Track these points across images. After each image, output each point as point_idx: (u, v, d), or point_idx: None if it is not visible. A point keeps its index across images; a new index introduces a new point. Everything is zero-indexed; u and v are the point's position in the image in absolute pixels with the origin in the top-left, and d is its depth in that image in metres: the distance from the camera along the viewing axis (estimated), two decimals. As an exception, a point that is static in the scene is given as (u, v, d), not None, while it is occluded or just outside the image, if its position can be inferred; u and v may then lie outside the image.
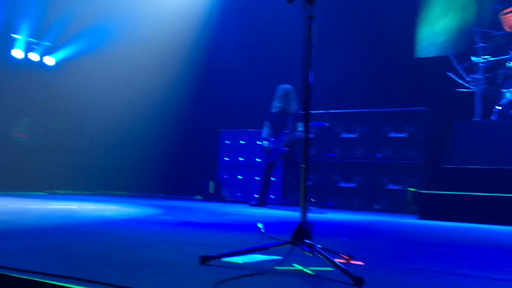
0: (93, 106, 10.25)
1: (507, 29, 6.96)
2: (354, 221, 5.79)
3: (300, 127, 7.33)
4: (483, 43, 7.07)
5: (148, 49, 10.24)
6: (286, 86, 7.78)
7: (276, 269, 2.23)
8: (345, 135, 8.45)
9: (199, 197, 9.49)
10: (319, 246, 2.36)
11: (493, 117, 6.83)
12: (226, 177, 9.44)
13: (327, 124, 7.87)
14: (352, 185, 8.32)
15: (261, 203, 7.77)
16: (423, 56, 8.88)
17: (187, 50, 10.43)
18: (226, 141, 9.54)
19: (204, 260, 2.34)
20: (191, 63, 10.48)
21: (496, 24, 7.19)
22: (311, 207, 7.48)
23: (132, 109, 10.24)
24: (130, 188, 10.18)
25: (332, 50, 9.31)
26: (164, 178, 10.46)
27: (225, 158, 9.50)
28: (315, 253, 2.33)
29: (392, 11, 9.09)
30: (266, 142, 7.74)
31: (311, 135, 7.60)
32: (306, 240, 2.35)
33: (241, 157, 9.32)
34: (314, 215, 6.16)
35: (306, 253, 2.35)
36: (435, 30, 8.82)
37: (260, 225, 2.84)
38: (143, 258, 2.50)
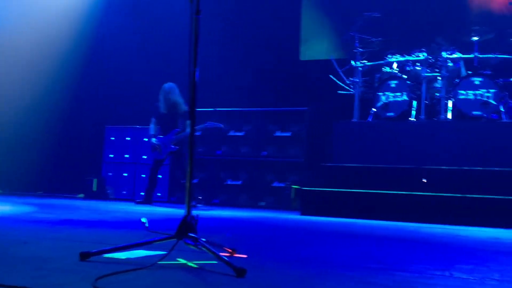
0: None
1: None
2: (240, 217, 5.89)
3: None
4: (361, 48, 7.49)
5: (30, 43, 9.68)
6: (171, 84, 7.73)
7: (159, 264, 2.23)
8: (232, 133, 8.56)
9: (81, 195, 9.14)
10: (203, 239, 2.39)
11: (369, 119, 7.26)
12: (110, 174, 9.18)
13: (221, 126, 7.92)
14: (239, 182, 8.46)
15: (147, 200, 7.66)
16: (307, 58, 9.23)
17: (71, 44, 9.99)
18: (111, 138, 9.28)
19: (84, 256, 2.28)
20: (76, 58, 10.05)
21: (373, 30, 7.65)
22: (198, 205, 7.50)
23: (11, 104, 9.63)
24: (4, 186, 9.55)
25: (221, 48, 9.40)
26: (44, 176, 9.94)
27: (110, 155, 9.23)
28: (200, 247, 2.35)
29: (279, 13, 9.35)
30: (154, 139, 7.64)
31: (198, 133, 7.63)
32: (190, 234, 2.37)
33: (127, 154, 9.11)
34: (200, 212, 6.18)
35: (191, 246, 2.37)
36: (318, 34, 9.21)
37: (144, 220, 2.81)
38: (19, 255, 2.38)
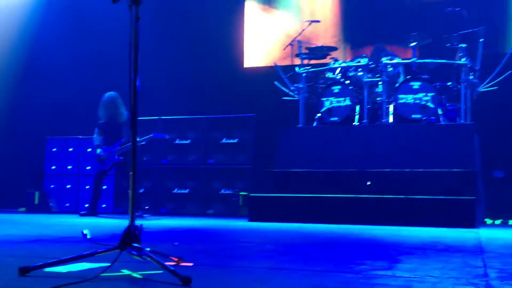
0: None
1: None
2: (188, 226, 5.84)
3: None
4: (305, 55, 7.60)
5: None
6: (113, 93, 7.59)
7: (102, 276, 2.18)
8: (178, 141, 8.49)
9: (23, 209, 8.84)
10: (148, 249, 2.35)
11: (314, 124, 7.37)
12: (53, 186, 8.92)
13: (167, 136, 7.83)
14: (186, 191, 8.39)
15: (91, 212, 7.48)
16: (251, 65, 9.29)
17: (9, 54, 9.68)
18: (53, 149, 9.02)
19: (23, 271, 2.20)
20: (14, 68, 9.75)
21: (316, 36, 7.79)
22: (145, 215, 7.38)
23: None
24: None
25: (165, 55, 9.35)
26: (-18, 190, 9.56)
27: (52, 167, 8.97)
28: (144, 257, 2.32)
29: (223, 20, 9.39)
30: (99, 150, 7.47)
31: (143, 142, 7.53)
32: (134, 244, 2.33)
33: (70, 165, 8.88)
34: (147, 222, 6.10)
35: (135, 257, 2.33)
36: (262, 41, 9.29)
37: (86, 231, 2.75)
38: (-48, 274, 2.27)
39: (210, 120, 8.44)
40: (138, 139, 7.36)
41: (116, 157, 7.43)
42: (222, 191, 8.23)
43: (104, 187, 7.83)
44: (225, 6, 9.40)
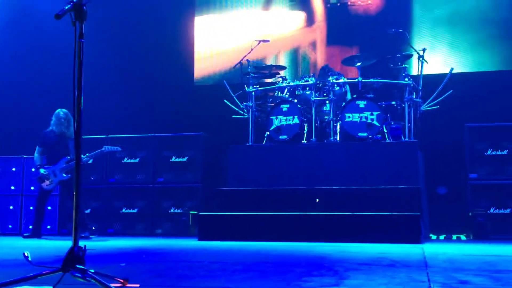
0: None
1: None
2: (136, 246, 5.74)
3: (82, 153, 7.07)
4: (254, 74, 7.67)
5: None
6: (62, 110, 7.43)
7: (44, 299, 2.11)
8: (126, 160, 8.36)
9: (-38, 232, 8.46)
10: (92, 271, 2.30)
11: (264, 142, 7.41)
12: (-5, 208, 8.59)
13: (119, 148, 7.68)
14: (134, 210, 8.24)
15: (35, 234, 7.23)
16: (201, 83, 9.30)
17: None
18: (-6, 169, 8.70)
19: (-41, 297, 2.10)
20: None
21: (265, 55, 7.89)
22: (92, 235, 7.19)
23: None
24: None
25: (114, 73, 9.24)
26: None
27: (-6, 188, 8.64)
28: (88, 279, 2.26)
29: (172, 36, 9.36)
30: (42, 170, 7.26)
31: (91, 160, 7.37)
32: (78, 266, 2.27)
33: (13, 186, 8.57)
34: (94, 243, 5.95)
35: (79, 279, 2.27)
36: (212, 60, 9.33)
37: (27, 253, 2.66)
38: None
39: (159, 138, 8.35)
40: (87, 155, 7.20)
41: (62, 175, 7.23)
42: (172, 210, 8.13)
43: (49, 207, 7.59)
44: (175, 22, 9.38)
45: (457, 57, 8.30)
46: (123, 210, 8.26)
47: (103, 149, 7.37)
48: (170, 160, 8.24)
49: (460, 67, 8.08)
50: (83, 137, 2.49)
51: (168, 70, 9.25)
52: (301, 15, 9.02)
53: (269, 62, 8.41)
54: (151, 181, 8.25)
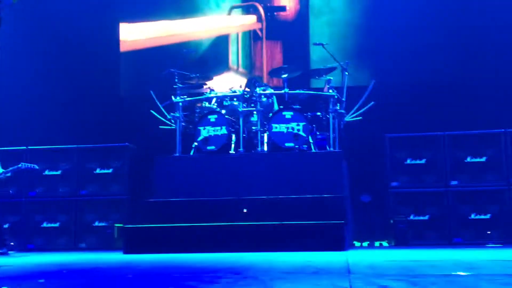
0: None
1: None
2: (57, 261, 5.52)
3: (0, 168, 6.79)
4: (181, 84, 7.62)
5: None
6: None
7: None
8: (48, 172, 8.05)
9: None
10: (5, 288, 2.19)
11: (191, 153, 7.37)
12: None
13: (37, 167, 7.36)
14: (56, 224, 7.95)
15: None
16: (127, 93, 9.13)
17: None
18: None
19: None
20: None
21: (192, 66, 7.87)
22: (10, 251, 6.86)
23: None
24: None
25: (33, 82, 8.90)
26: None
27: None
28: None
29: (97, 44, 9.14)
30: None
31: (8, 174, 7.04)
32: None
33: None
34: (12, 259, 5.68)
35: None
36: (139, 70, 9.19)
37: None
38: None
39: (83, 149, 8.11)
40: (3, 171, 6.87)
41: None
42: (96, 224, 7.91)
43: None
44: (100, 28, 9.17)
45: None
46: (44, 224, 7.95)
47: (19, 165, 7.03)
48: (94, 172, 8.02)
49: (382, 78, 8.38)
50: (-1, 148, 2.37)
51: (92, 79, 9.03)
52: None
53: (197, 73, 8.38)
54: (74, 194, 8.00)
